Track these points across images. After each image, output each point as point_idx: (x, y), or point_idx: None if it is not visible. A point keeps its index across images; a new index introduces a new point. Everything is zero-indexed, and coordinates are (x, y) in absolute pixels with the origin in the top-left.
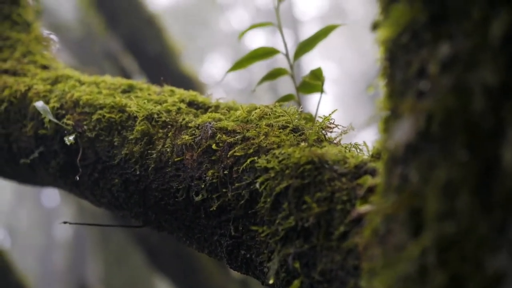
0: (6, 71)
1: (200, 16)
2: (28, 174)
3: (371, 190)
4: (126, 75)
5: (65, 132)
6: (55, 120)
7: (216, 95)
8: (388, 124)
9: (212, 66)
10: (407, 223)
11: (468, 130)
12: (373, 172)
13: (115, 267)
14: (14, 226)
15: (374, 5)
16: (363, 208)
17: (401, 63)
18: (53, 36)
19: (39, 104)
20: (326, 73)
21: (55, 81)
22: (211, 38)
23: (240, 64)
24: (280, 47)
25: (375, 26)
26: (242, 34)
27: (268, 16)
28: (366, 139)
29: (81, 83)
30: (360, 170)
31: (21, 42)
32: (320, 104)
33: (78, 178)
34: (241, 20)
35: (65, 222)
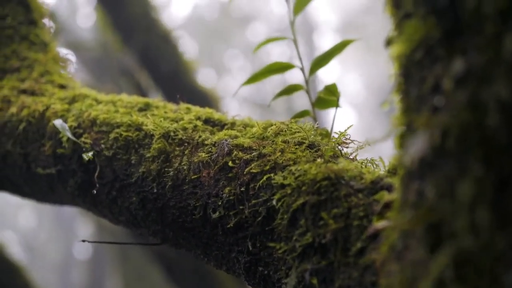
0: (24, 91)
1: (219, 30)
2: (47, 193)
3: (387, 205)
4: (142, 91)
5: (83, 150)
6: (73, 138)
7: (233, 109)
8: (403, 139)
9: (231, 79)
10: (424, 239)
11: (484, 145)
12: (389, 188)
13: (134, 284)
14: (33, 244)
15: (389, 19)
16: (380, 224)
17: (416, 79)
18: (70, 56)
19: (58, 122)
20: (345, 84)
21: (73, 100)
22: (230, 52)
23: (255, 78)
24: (297, 58)
25: (389, 42)
26: (258, 47)
27: (285, 28)
28: (385, 152)
29: (98, 102)
30: (376, 185)
31: (39, 62)
32: (336, 119)
33: (95, 192)
34: (259, 32)
35: (84, 241)
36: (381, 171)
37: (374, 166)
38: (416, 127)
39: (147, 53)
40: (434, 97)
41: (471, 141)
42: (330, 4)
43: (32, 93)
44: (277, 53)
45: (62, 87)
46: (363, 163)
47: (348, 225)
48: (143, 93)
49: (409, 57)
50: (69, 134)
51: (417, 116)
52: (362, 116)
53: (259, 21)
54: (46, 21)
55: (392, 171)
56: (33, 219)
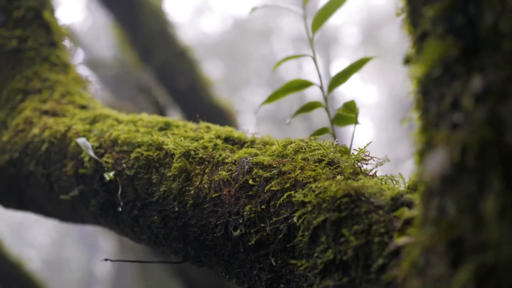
0: (46, 112)
1: (239, 48)
2: (69, 213)
3: (408, 222)
4: (160, 107)
5: (105, 169)
6: (95, 157)
7: (252, 124)
8: (423, 156)
9: (251, 96)
10: (445, 255)
11: (503, 161)
12: (409, 204)
13: None
14: (54, 261)
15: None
16: (401, 241)
17: (435, 96)
18: (90, 76)
19: (81, 140)
20: (363, 97)
21: (94, 120)
22: (250, 69)
23: (275, 96)
24: (315, 75)
25: (407, 60)
26: (277, 65)
27: (305, 44)
28: (404, 166)
29: (119, 122)
30: (396, 202)
31: (60, 83)
32: (355, 136)
33: (120, 209)
34: (279, 49)
35: (106, 259)
36: (401, 187)
37: (394, 182)
38: (436, 143)
39: (164, 70)
40: (453, 114)
41: (491, 157)
42: (349, 19)
43: (54, 114)
44: (294, 67)
45: (83, 107)
46: (383, 180)
47: (369, 241)
48: (161, 110)
49: (427, 75)
50: (91, 153)
51: (437, 133)
52: (381, 128)
53: (278, 36)
54: (66, 42)
55: (412, 188)
56: (54, 236)
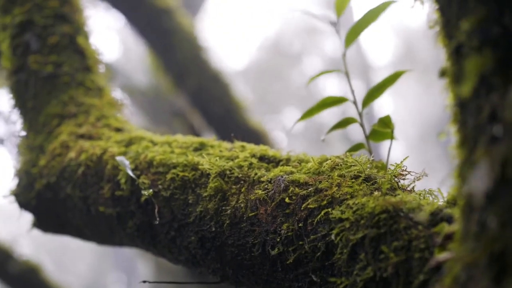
0: (82, 136)
1: (273, 69)
2: (106, 235)
3: (448, 237)
4: (195, 131)
5: (142, 189)
6: (133, 175)
7: (286, 144)
8: (462, 170)
9: (286, 116)
10: (488, 269)
11: None
12: (449, 219)
13: None
14: (94, 286)
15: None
16: (442, 256)
17: (472, 109)
18: (124, 99)
19: (120, 158)
20: (396, 113)
21: (129, 143)
22: (284, 90)
23: (310, 113)
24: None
25: (443, 73)
26: (311, 80)
27: (339, 63)
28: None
29: (154, 143)
30: (436, 217)
31: (95, 106)
32: (391, 150)
33: (156, 230)
34: (313, 69)
35: (145, 281)
36: (440, 202)
37: (433, 197)
38: (476, 158)
39: (198, 94)
40: (491, 126)
41: None
42: (385, 38)
43: (90, 137)
44: (330, 86)
45: (118, 130)
46: (421, 195)
47: (409, 257)
48: (196, 134)
49: (464, 87)
50: (129, 171)
51: (476, 147)
52: (410, 146)
53: (311, 56)
54: (100, 66)
55: (451, 202)
56: (92, 261)
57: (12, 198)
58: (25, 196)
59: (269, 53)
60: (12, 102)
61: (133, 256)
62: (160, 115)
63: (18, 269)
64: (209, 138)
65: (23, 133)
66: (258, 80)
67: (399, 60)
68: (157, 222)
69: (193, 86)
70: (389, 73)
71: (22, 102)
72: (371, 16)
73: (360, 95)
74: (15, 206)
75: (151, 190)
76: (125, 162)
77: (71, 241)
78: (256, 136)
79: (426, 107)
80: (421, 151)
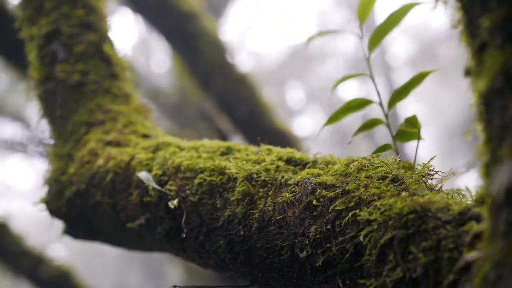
0: (109, 143)
1: (296, 72)
2: (136, 241)
3: (477, 236)
4: (222, 134)
5: (169, 197)
6: (158, 187)
7: (313, 147)
8: (489, 169)
9: (309, 119)
10: None
11: None
12: (478, 218)
13: None
14: None
15: (463, 48)
16: (471, 256)
17: (497, 107)
18: (151, 105)
19: (142, 174)
20: (420, 115)
21: (156, 149)
22: (307, 92)
23: (335, 117)
24: (373, 94)
25: (467, 72)
26: (336, 84)
27: (360, 63)
28: (468, 182)
29: (181, 149)
30: (464, 216)
31: (122, 113)
32: (418, 150)
33: (184, 235)
34: (335, 71)
35: (175, 286)
36: (468, 201)
37: (461, 196)
38: (501, 156)
39: (224, 97)
40: None
41: None
42: (404, 37)
43: (117, 144)
44: (354, 92)
45: (145, 136)
46: (449, 194)
47: (438, 257)
48: (223, 136)
49: (489, 86)
50: (154, 185)
51: (501, 146)
52: (438, 144)
53: (335, 59)
54: (126, 73)
55: (479, 201)
56: (123, 267)
57: (43, 206)
58: (56, 203)
59: (289, 55)
60: (41, 111)
61: (163, 261)
62: (186, 119)
63: (50, 274)
64: (235, 140)
65: (52, 142)
66: (281, 82)
67: (416, 59)
68: (185, 232)
69: (219, 89)
70: (410, 72)
71: (50, 111)
72: (394, 19)
73: (382, 94)
74: (46, 213)
75: (175, 202)
76: (148, 177)
77: (100, 247)
78: (283, 138)
79: (447, 106)
80: (446, 151)
